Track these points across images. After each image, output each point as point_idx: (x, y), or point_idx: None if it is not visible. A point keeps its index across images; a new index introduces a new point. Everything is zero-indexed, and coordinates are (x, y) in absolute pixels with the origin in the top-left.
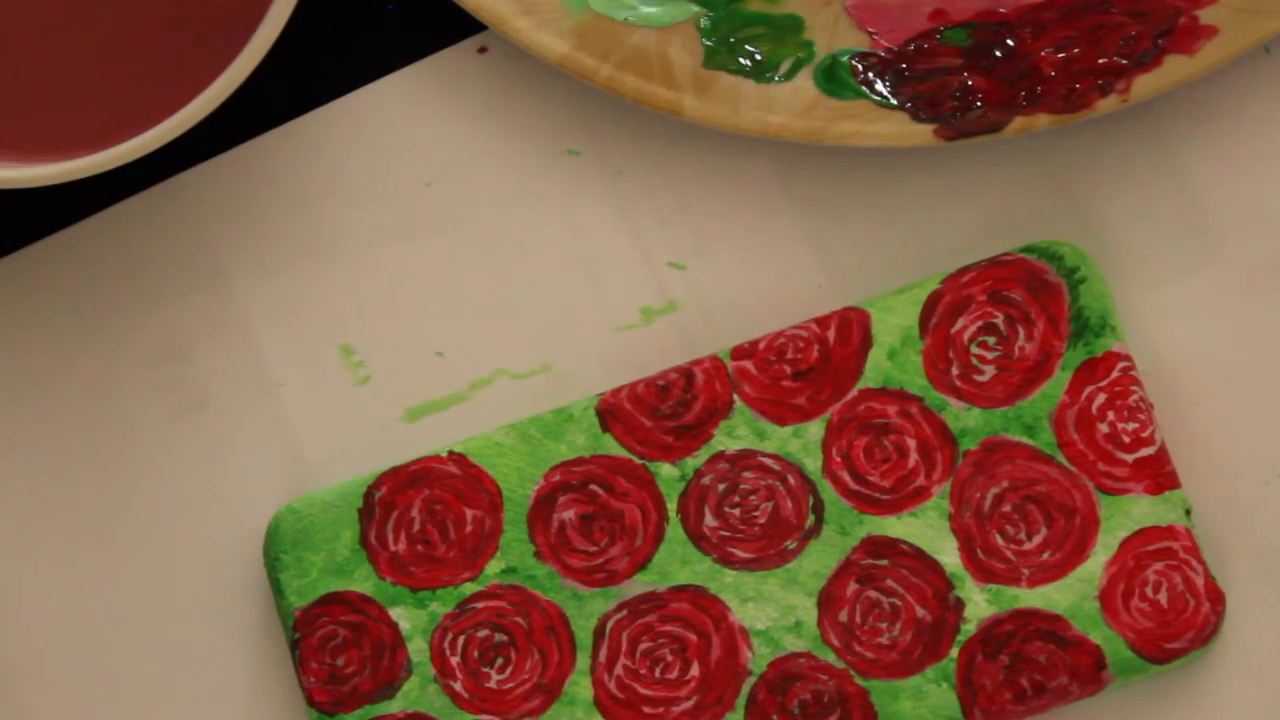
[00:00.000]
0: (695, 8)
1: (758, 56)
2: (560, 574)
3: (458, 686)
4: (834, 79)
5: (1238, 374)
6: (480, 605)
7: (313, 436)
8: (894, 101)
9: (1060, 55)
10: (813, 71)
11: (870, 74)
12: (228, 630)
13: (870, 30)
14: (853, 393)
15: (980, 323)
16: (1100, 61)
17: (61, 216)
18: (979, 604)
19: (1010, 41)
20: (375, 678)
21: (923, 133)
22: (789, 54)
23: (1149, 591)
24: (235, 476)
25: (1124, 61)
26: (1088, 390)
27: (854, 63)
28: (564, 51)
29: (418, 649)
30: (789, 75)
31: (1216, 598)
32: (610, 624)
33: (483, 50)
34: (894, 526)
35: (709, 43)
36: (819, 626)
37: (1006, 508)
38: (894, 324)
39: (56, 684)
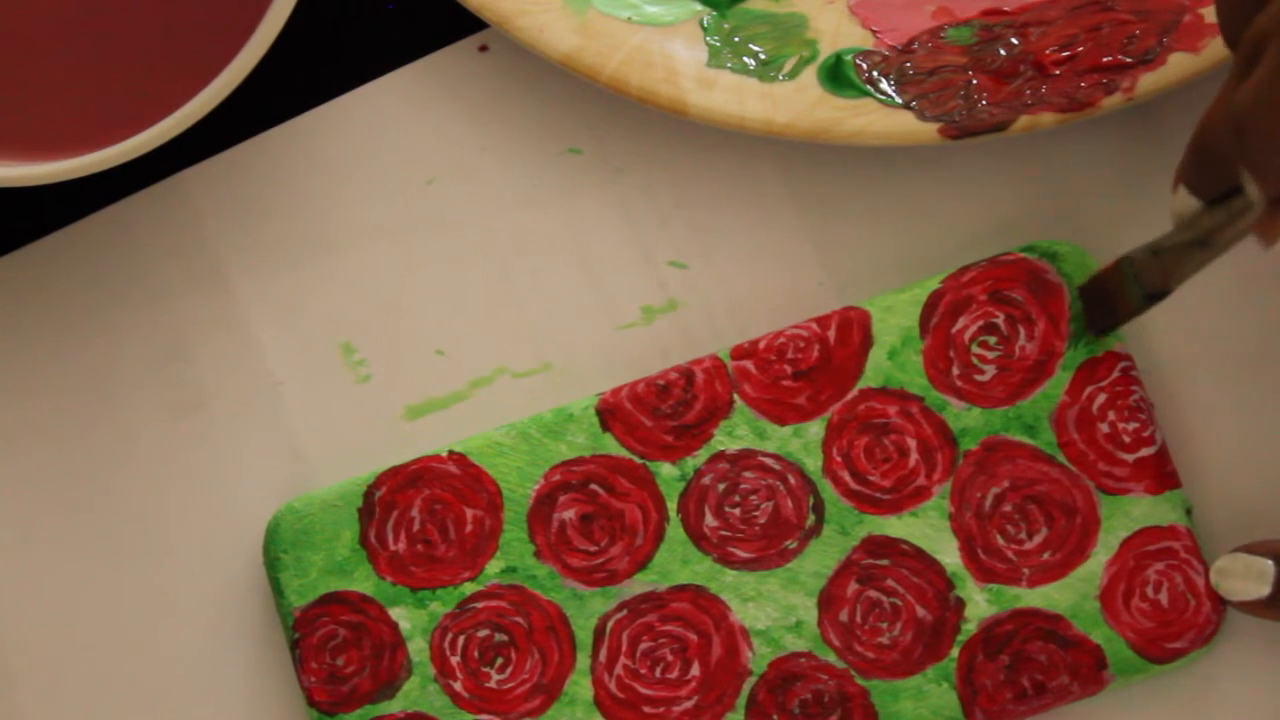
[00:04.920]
0: (699, 6)
1: (761, 55)
2: (560, 574)
3: (458, 686)
4: (838, 78)
5: (1238, 374)
6: (480, 605)
7: (313, 435)
8: (899, 100)
9: (1065, 54)
10: (817, 70)
11: (875, 73)
12: (228, 630)
13: (874, 29)
14: (853, 392)
15: (981, 322)
16: (1105, 60)
17: (61, 216)
18: (979, 604)
19: (1015, 40)
20: (375, 677)
21: (928, 131)
22: (793, 53)
23: (1150, 591)
24: (235, 476)
25: (1129, 60)
26: (1088, 390)
27: (858, 61)
28: (567, 50)
29: (418, 649)
30: (793, 74)
31: (1217, 598)
32: (610, 624)
33: (483, 49)
34: (894, 526)
35: (712, 41)
36: (819, 626)
37: (1007, 507)
38: (894, 324)
39: (56, 684)
